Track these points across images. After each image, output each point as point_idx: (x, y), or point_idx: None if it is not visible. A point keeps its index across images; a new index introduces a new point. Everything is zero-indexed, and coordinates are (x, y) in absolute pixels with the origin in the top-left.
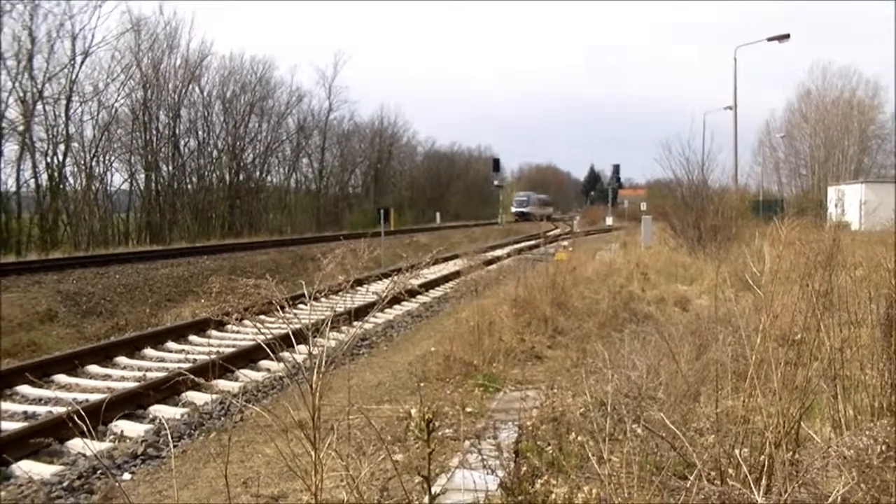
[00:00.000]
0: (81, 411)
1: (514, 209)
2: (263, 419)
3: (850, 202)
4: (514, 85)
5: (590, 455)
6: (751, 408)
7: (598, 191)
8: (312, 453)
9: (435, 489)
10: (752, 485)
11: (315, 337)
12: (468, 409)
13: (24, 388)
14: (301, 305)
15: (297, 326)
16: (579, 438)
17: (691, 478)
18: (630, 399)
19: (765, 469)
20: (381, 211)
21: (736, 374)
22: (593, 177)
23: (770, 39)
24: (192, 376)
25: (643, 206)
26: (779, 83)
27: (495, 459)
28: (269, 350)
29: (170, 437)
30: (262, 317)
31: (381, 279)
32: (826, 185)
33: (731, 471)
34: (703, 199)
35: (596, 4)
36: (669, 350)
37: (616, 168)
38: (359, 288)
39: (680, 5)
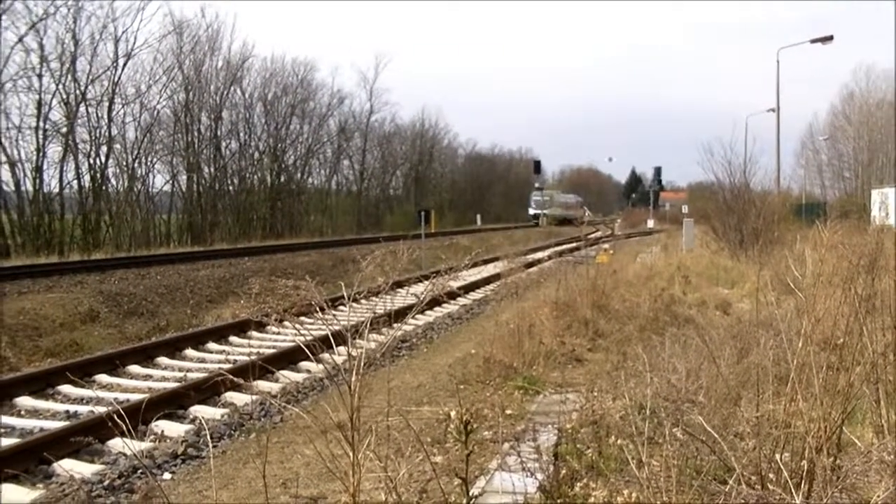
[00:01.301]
0: (122, 411)
1: (531, 210)
2: (303, 420)
3: (893, 205)
4: (556, 87)
5: (629, 458)
6: (792, 412)
7: (640, 193)
8: (351, 454)
9: (474, 491)
10: (792, 490)
11: (354, 339)
12: (508, 412)
13: (66, 388)
14: (341, 307)
15: (337, 328)
16: (619, 442)
17: (731, 482)
18: (670, 403)
19: (805, 474)
20: (422, 213)
21: (777, 378)
22: (634, 179)
23: (813, 41)
24: (232, 377)
25: (684, 209)
26: (822, 85)
27: (534, 462)
28: (308, 352)
29: (209, 437)
30: (302, 318)
31: (420, 281)
32: (869, 187)
33: (771, 475)
34: (745, 201)
35: (639, 4)
36: (710, 353)
37: (657, 171)
38: (399, 290)
39: (722, 6)
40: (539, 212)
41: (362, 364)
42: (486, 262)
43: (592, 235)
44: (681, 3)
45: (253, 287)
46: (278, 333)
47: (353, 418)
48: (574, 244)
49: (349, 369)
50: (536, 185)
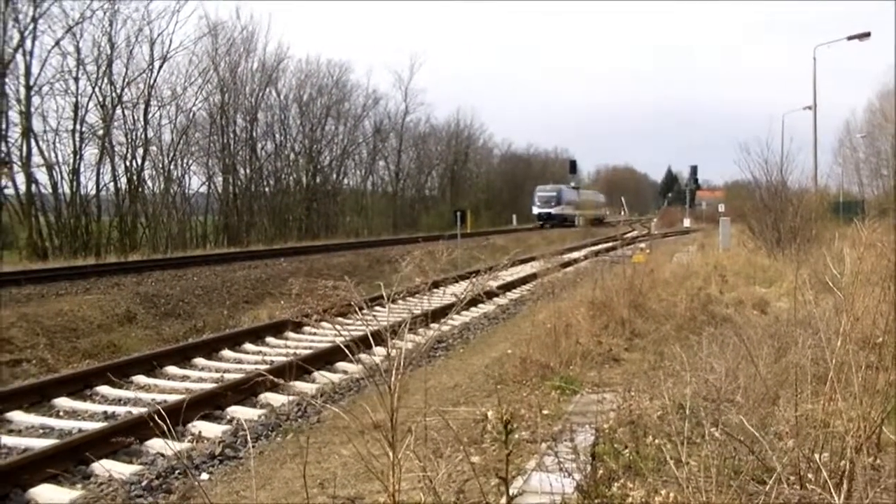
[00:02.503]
0: (162, 411)
1: (535, 210)
2: (340, 421)
3: None
4: (591, 86)
5: (667, 458)
6: (831, 412)
7: (676, 192)
8: (390, 454)
9: (511, 491)
10: (832, 490)
11: (393, 339)
12: (545, 412)
13: (104, 389)
14: (377, 308)
15: (375, 328)
16: (656, 441)
17: (770, 482)
18: (708, 402)
19: (845, 474)
20: (458, 213)
21: (816, 377)
22: (671, 178)
23: (850, 38)
24: (271, 376)
25: (721, 208)
26: (860, 82)
27: (572, 462)
28: (347, 352)
29: (248, 437)
30: (340, 318)
31: (457, 281)
32: None
33: (810, 475)
34: (783, 200)
35: (678, 4)
36: (748, 353)
37: (694, 169)
38: (435, 290)
39: (757, 5)
40: (544, 211)
41: (402, 364)
42: (522, 261)
43: (628, 235)
44: (719, 3)
45: (293, 288)
46: (314, 334)
47: (393, 418)
48: (610, 244)
49: (388, 369)
50: (572, 184)
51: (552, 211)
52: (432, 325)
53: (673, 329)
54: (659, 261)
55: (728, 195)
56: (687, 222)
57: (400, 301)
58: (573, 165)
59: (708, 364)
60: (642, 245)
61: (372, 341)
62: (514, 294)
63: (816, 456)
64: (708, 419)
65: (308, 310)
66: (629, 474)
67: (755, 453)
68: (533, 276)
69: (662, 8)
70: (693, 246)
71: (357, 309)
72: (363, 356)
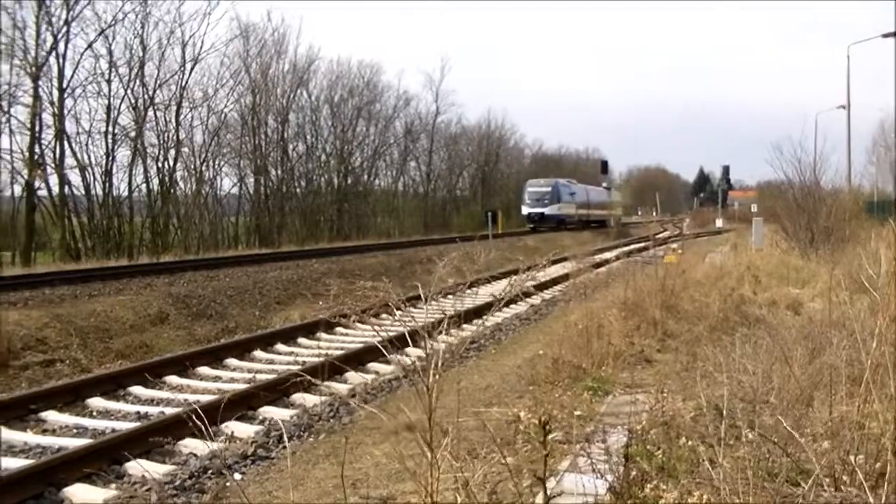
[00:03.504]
0: (199, 410)
1: (525, 209)
2: (372, 422)
3: None
4: (622, 86)
5: (701, 460)
6: (866, 413)
7: (708, 192)
8: (428, 455)
9: (538, 496)
10: (868, 492)
11: (429, 340)
12: (577, 413)
13: (137, 389)
14: (412, 308)
15: (410, 328)
16: (689, 443)
17: (805, 484)
18: (741, 403)
19: (882, 476)
20: (489, 214)
21: (851, 378)
22: (702, 178)
23: (885, 36)
24: (309, 377)
25: (754, 208)
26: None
27: (605, 463)
28: (385, 352)
29: (285, 437)
30: (374, 319)
31: (489, 282)
32: None
33: (845, 477)
34: (816, 200)
35: (706, 4)
36: (782, 354)
37: (726, 169)
38: (469, 290)
39: (791, 4)
40: (536, 211)
41: (439, 364)
42: (553, 262)
43: (660, 235)
44: (752, 3)
45: (331, 288)
46: (346, 335)
47: (430, 419)
48: (642, 244)
49: (425, 369)
50: (604, 184)
51: (545, 211)
52: (465, 325)
53: (706, 330)
54: (691, 261)
55: (760, 195)
56: (719, 222)
57: (434, 301)
58: (604, 166)
59: (741, 365)
60: (674, 245)
61: (409, 341)
62: (545, 294)
63: (852, 458)
64: (742, 420)
65: (346, 310)
66: (662, 476)
67: (790, 455)
68: (564, 277)
69: (696, 6)
70: (725, 246)
71: (394, 309)
72: (400, 357)
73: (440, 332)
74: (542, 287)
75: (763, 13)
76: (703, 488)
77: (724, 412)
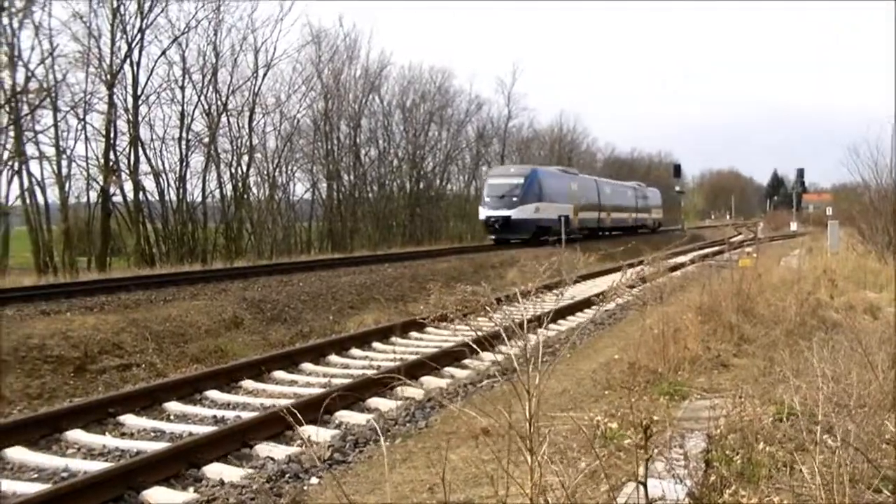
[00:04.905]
0: (294, 410)
1: (484, 211)
2: (447, 426)
3: None
4: (696, 89)
5: (780, 465)
6: None
7: (782, 196)
8: (529, 459)
9: (621, 498)
10: None
11: (503, 344)
12: (654, 418)
13: (213, 393)
14: (503, 309)
15: (505, 327)
16: (769, 448)
17: (887, 491)
18: (820, 408)
19: None
20: (561, 218)
21: None
22: (776, 181)
23: None
24: (404, 377)
25: (829, 211)
26: None
27: (683, 468)
28: (477, 350)
29: (382, 437)
30: (449, 322)
31: (566, 285)
32: None
33: None
34: (894, 202)
35: (782, 5)
36: (862, 358)
37: (800, 172)
38: (545, 293)
39: (870, 4)
40: (497, 214)
41: (539, 364)
42: (629, 265)
43: (735, 239)
44: (827, 4)
45: (431, 293)
46: (420, 339)
47: (531, 422)
48: (717, 248)
49: (525, 371)
50: (677, 188)
51: (512, 214)
52: (541, 328)
53: (782, 334)
54: (766, 265)
55: (836, 198)
56: (794, 226)
57: (512, 304)
58: (677, 169)
59: (820, 369)
60: (749, 249)
61: (506, 340)
62: (619, 299)
63: None
64: (821, 426)
65: (446, 312)
66: (741, 481)
67: (871, 461)
68: (640, 281)
69: (773, 6)
70: (801, 250)
71: (486, 309)
72: (488, 357)
73: (532, 331)
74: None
75: (841, 12)
76: (782, 494)
77: (800, 417)
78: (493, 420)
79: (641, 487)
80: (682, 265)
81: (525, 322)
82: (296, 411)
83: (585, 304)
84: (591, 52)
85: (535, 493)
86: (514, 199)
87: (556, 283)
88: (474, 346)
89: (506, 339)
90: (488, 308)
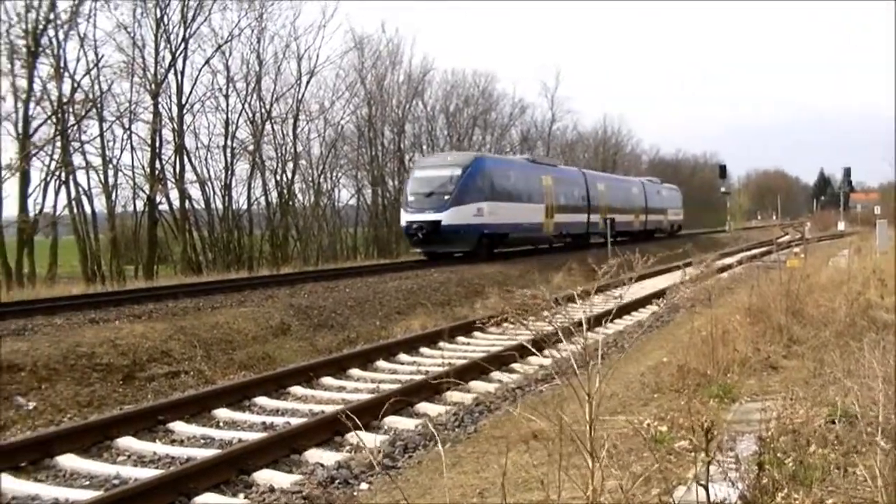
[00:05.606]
0: (351, 413)
1: (406, 216)
2: (496, 430)
3: None
4: (738, 89)
5: (832, 468)
6: None
7: (829, 195)
8: (589, 462)
9: (674, 501)
10: None
11: (549, 348)
12: (713, 420)
13: (261, 400)
14: (564, 309)
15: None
16: (821, 451)
17: None
18: (872, 410)
19: None
20: (607, 220)
21: None
22: (823, 181)
23: None
24: (455, 379)
25: (877, 210)
26: None
27: (734, 471)
28: (533, 351)
29: (439, 436)
30: (490, 328)
31: (613, 288)
32: None
33: None
34: None
35: (824, 4)
36: None
37: (847, 171)
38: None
39: None
40: (421, 219)
41: (599, 367)
42: (678, 267)
43: (782, 239)
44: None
45: (489, 296)
46: (468, 344)
47: (591, 426)
48: (764, 249)
49: (581, 374)
50: (722, 189)
51: (443, 217)
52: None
53: (832, 335)
54: (815, 265)
55: (884, 197)
56: (841, 225)
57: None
58: (723, 170)
59: (871, 371)
60: (796, 249)
61: (564, 341)
62: (666, 301)
63: None
64: (874, 428)
65: (505, 315)
66: (793, 484)
67: None
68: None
69: (813, 6)
70: (849, 249)
71: (544, 311)
72: (534, 361)
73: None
74: (663, 294)
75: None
76: (835, 496)
77: (850, 419)
78: (545, 424)
79: (702, 490)
80: (729, 266)
81: (585, 322)
82: (353, 416)
83: (632, 307)
84: (635, 53)
85: (595, 497)
86: (447, 196)
87: (606, 285)
88: (529, 347)
89: (563, 340)
90: (546, 310)
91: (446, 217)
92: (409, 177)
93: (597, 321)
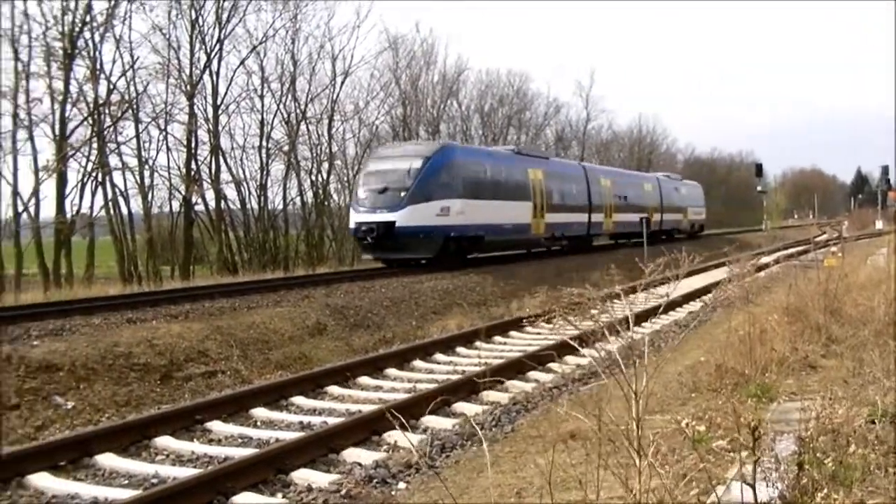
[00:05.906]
0: (394, 410)
1: (355, 216)
2: (534, 430)
3: None
4: (775, 88)
5: (872, 468)
6: None
7: (867, 194)
8: (637, 461)
9: (712, 501)
10: None
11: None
12: (741, 420)
13: (298, 399)
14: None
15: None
16: (860, 451)
17: None
18: None
19: None
20: (643, 220)
21: None
22: (860, 179)
23: None
24: (490, 378)
25: None
26: None
27: (773, 472)
28: (577, 348)
29: (480, 438)
30: (527, 327)
31: (648, 288)
32: None
33: None
34: None
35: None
36: None
37: (885, 170)
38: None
39: None
40: (373, 220)
41: (646, 367)
42: (716, 266)
43: (820, 238)
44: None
45: (537, 295)
46: (504, 344)
47: (639, 425)
48: (802, 248)
49: (627, 372)
50: (759, 188)
51: (397, 218)
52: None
53: (871, 334)
54: (852, 264)
55: None
56: (879, 224)
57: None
58: (759, 169)
59: None
60: (834, 248)
61: (607, 334)
62: (706, 298)
63: None
64: None
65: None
66: (833, 484)
67: None
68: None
69: (847, 6)
70: (887, 248)
71: (590, 309)
72: (571, 360)
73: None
74: (700, 293)
75: None
76: (876, 497)
77: (891, 419)
78: (587, 422)
79: (739, 490)
80: (766, 265)
81: (630, 319)
82: (398, 414)
83: (669, 307)
84: (670, 52)
85: (642, 495)
86: (403, 193)
87: (649, 283)
88: (573, 343)
89: (608, 337)
90: (594, 308)
91: (401, 217)
92: (362, 170)
93: (637, 320)
